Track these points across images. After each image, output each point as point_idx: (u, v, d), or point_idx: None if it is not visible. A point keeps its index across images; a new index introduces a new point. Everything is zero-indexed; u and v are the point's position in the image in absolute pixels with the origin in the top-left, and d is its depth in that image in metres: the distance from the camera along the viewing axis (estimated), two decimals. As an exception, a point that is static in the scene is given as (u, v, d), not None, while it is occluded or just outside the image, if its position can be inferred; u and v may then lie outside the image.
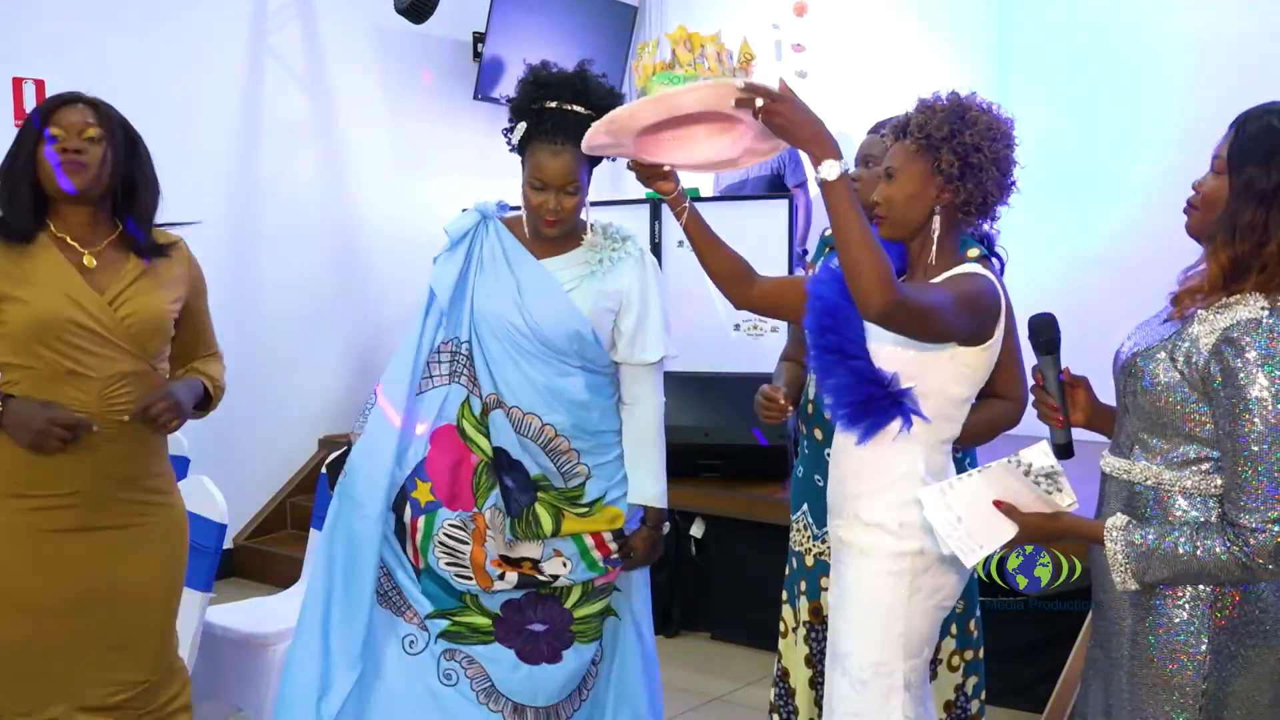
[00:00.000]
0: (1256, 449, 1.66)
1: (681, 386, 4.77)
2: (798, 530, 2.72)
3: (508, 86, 6.62)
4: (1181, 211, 1.86)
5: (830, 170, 1.87)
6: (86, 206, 2.35)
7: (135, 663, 2.43)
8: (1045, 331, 1.99)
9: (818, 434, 2.58)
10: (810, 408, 2.60)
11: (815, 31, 6.68)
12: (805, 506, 2.65)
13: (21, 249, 2.27)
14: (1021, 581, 2.36)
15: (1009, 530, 1.87)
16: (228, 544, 4.87)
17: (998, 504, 1.87)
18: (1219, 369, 1.70)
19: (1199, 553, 1.69)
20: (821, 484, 2.41)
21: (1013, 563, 2.36)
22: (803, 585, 2.66)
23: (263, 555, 5.57)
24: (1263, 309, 1.71)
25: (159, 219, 2.49)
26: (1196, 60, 5.25)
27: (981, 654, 2.63)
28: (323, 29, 6.08)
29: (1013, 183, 2.08)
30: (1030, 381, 2.04)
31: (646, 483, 2.56)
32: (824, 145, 1.91)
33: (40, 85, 4.90)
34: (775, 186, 6.13)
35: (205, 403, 2.53)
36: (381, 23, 6.21)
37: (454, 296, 2.47)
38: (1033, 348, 2.02)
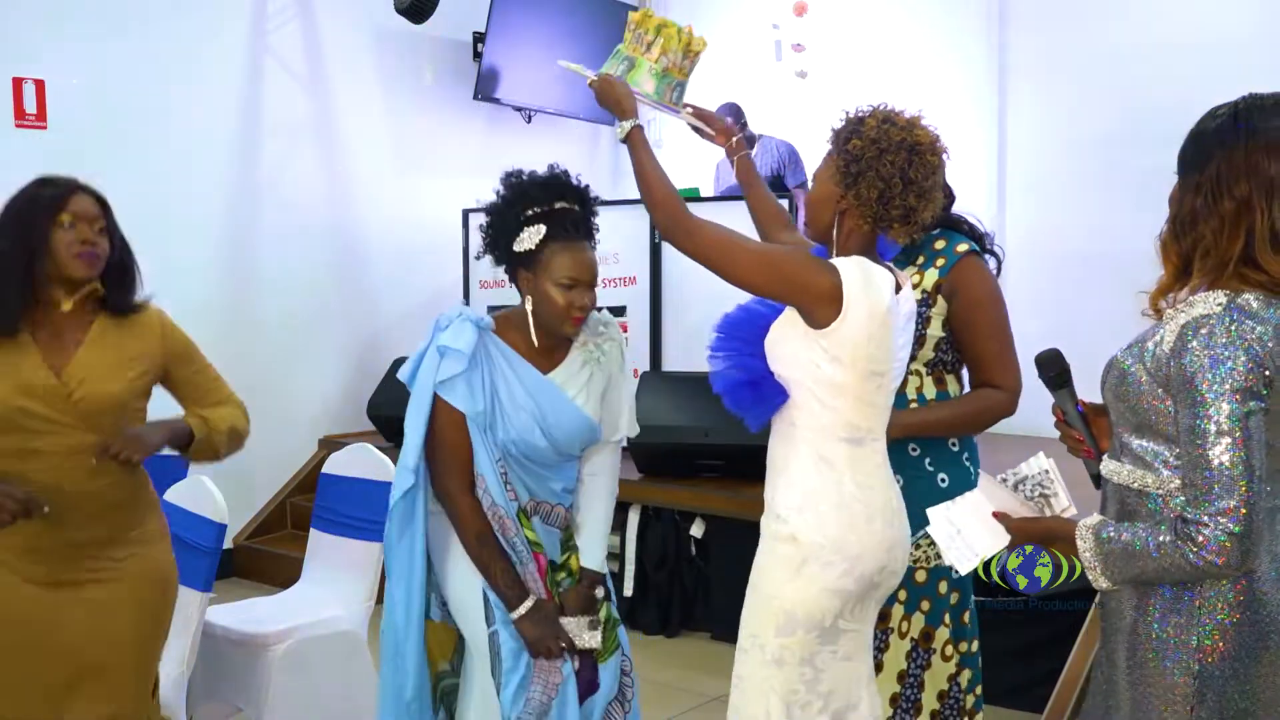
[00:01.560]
0: (1204, 444, 1.65)
1: (681, 386, 4.78)
2: None
3: (508, 87, 6.64)
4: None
5: (622, 129, 2.35)
6: (77, 288, 2.42)
7: (105, 694, 2.45)
8: (1052, 366, 2.01)
9: None
10: None
11: (815, 31, 6.68)
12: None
13: None
14: (1021, 581, 2.37)
15: (1003, 538, 1.93)
16: (228, 544, 4.87)
17: (995, 514, 1.94)
18: (1175, 365, 1.70)
19: (1153, 549, 1.69)
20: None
21: (1012, 563, 2.37)
22: None
23: (263, 555, 5.57)
24: (1219, 304, 1.71)
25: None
26: (1197, 60, 5.24)
27: (976, 647, 2.63)
28: (323, 29, 6.09)
29: (909, 199, 2.16)
30: (1057, 408, 2.06)
31: (597, 549, 2.61)
32: (623, 109, 2.39)
33: (40, 85, 4.91)
34: (776, 186, 6.14)
35: (189, 442, 2.51)
36: (381, 23, 6.21)
37: (484, 423, 2.47)
38: (1044, 384, 2.05)
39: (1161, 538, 1.68)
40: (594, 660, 2.54)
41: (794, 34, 6.74)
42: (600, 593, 2.59)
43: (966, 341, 2.56)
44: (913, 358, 2.50)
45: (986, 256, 2.62)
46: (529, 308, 2.45)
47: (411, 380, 2.49)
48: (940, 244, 2.58)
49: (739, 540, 4.79)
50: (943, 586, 2.56)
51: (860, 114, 2.24)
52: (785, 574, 2.20)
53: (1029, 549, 2.31)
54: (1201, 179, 1.75)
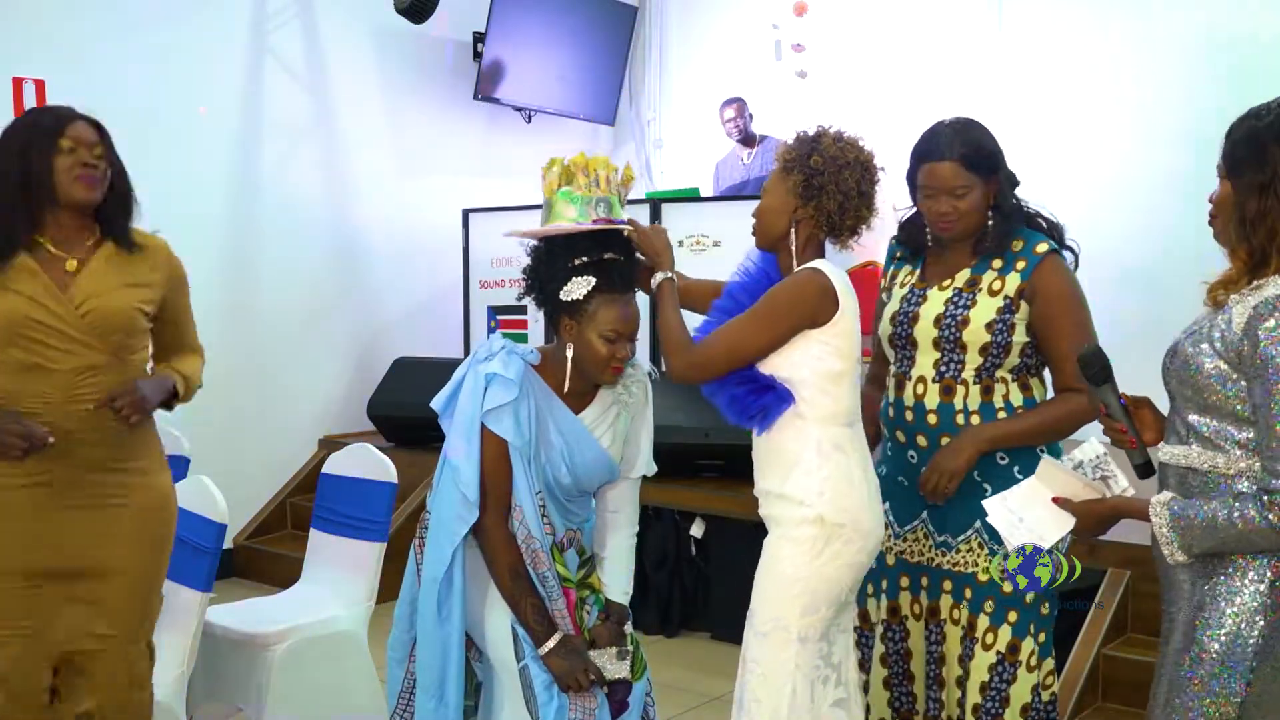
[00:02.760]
0: None
1: (682, 386, 4.77)
2: None
3: (508, 87, 6.64)
4: (1207, 224, 2.00)
5: (657, 279, 2.47)
6: (80, 212, 2.52)
7: (103, 618, 2.52)
8: (1094, 363, 2.06)
9: (900, 436, 2.61)
10: (892, 411, 2.62)
11: (815, 31, 6.68)
12: (886, 505, 2.58)
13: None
14: (1022, 582, 2.37)
15: (1068, 521, 2.07)
16: (228, 544, 4.86)
17: (1056, 500, 2.08)
18: (1249, 344, 1.79)
19: (1236, 520, 1.77)
20: (906, 484, 2.60)
21: (1013, 563, 2.36)
22: (884, 584, 2.66)
23: (263, 555, 5.57)
24: None
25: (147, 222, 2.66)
26: (1197, 61, 5.25)
27: (1051, 664, 2.60)
28: (323, 29, 6.09)
29: (860, 210, 2.39)
30: (1100, 401, 2.10)
31: (623, 583, 2.64)
32: (662, 261, 2.48)
33: (40, 85, 4.90)
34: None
35: (174, 398, 2.64)
36: (381, 23, 6.21)
37: (529, 455, 2.48)
38: (1087, 380, 2.09)
39: (1246, 510, 1.77)
40: (628, 683, 2.55)
41: (794, 34, 6.73)
42: (629, 627, 2.62)
43: (1049, 344, 2.50)
44: (999, 365, 2.51)
45: (1064, 253, 2.56)
46: (569, 354, 2.45)
47: (445, 409, 2.49)
48: (1018, 244, 2.53)
49: (739, 540, 4.81)
50: (1029, 596, 2.50)
51: (812, 133, 2.42)
52: (809, 555, 2.34)
53: (1029, 549, 2.32)
54: (1265, 178, 1.82)
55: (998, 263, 2.53)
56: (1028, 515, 2.11)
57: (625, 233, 2.48)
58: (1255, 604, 1.81)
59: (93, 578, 2.51)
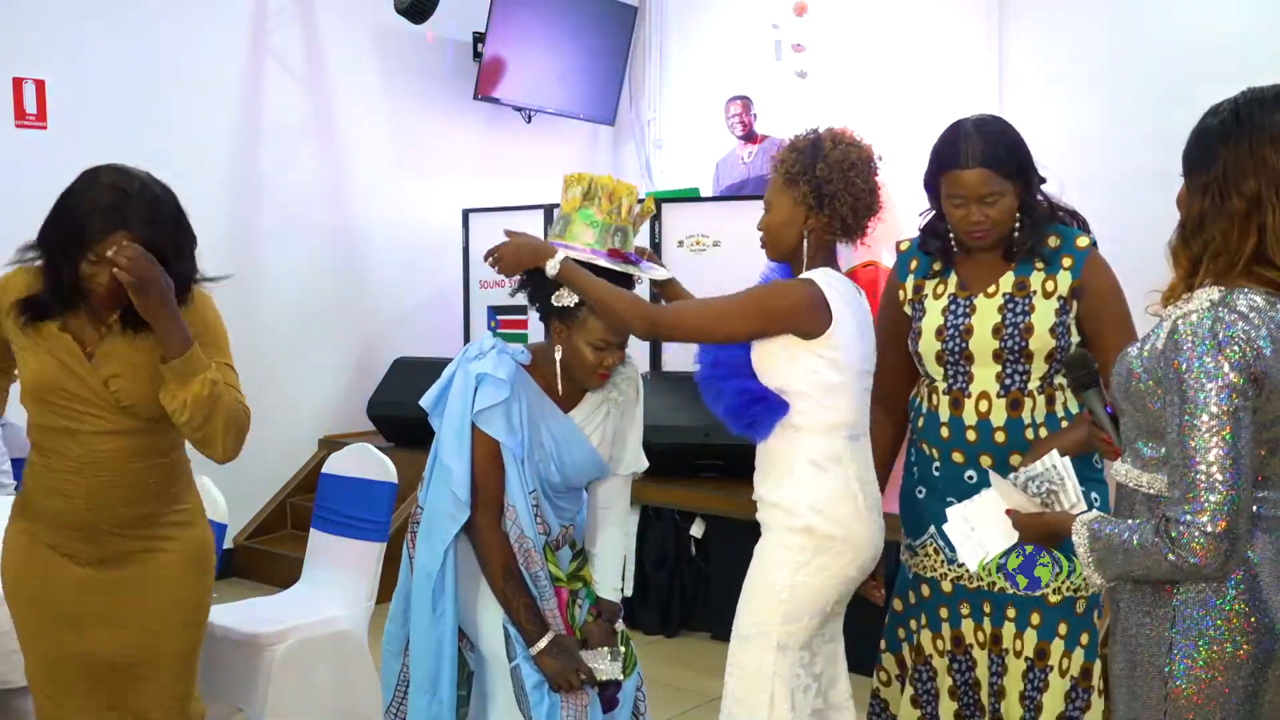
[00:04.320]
0: (1189, 442, 1.63)
1: (681, 386, 4.77)
2: (926, 555, 2.50)
3: (508, 87, 6.64)
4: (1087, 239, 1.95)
5: (551, 266, 2.36)
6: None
7: (146, 695, 2.47)
8: (1079, 367, 2.00)
9: (957, 457, 2.43)
10: (946, 431, 2.43)
11: (815, 31, 6.68)
12: (933, 529, 2.46)
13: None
14: (1021, 581, 2.36)
15: (1013, 536, 2.01)
16: (228, 544, 4.87)
17: (1008, 512, 2.00)
18: (1164, 363, 1.68)
19: (1136, 547, 1.67)
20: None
21: (1012, 563, 2.36)
22: (943, 612, 2.47)
23: (263, 555, 5.57)
24: (1210, 301, 1.68)
25: None
26: (1197, 61, 5.24)
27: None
28: (323, 29, 6.09)
29: (871, 205, 2.37)
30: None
31: (614, 579, 2.65)
32: (541, 253, 2.38)
33: (40, 85, 4.91)
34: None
35: (179, 354, 2.31)
36: (382, 23, 6.21)
37: (522, 455, 2.49)
38: (1071, 386, 2.06)
39: (1146, 536, 1.66)
40: (619, 682, 2.56)
41: (794, 34, 6.73)
42: (620, 625, 2.63)
43: (1094, 339, 2.35)
44: (1059, 371, 2.36)
45: None
46: (558, 356, 2.46)
47: (435, 408, 2.50)
48: (1054, 241, 2.39)
49: (739, 540, 4.79)
50: (1095, 615, 2.39)
51: (811, 138, 2.37)
52: (795, 564, 2.32)
53: (1029, 549, 2.31)
54: (1209, 179, 1.71)
55: (1040, 263, 2.38)
56: (980, 526, 2.07)
57: (633, 275, 2.47)
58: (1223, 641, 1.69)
59: (129, 637, 2.44)
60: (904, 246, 2.64)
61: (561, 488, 2.54)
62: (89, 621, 2.41)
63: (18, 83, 4.85)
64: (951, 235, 2.43)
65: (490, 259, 2.43)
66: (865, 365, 2.39)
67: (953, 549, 2.26)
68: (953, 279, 2.46)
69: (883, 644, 2.61)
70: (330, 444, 5.69)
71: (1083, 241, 2.39)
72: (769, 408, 2.34)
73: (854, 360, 2.35)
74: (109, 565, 2.41)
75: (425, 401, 2.51)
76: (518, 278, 2.48)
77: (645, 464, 2.69)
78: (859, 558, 2.35)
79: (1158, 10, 5.60)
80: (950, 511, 2.13)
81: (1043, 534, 1.96)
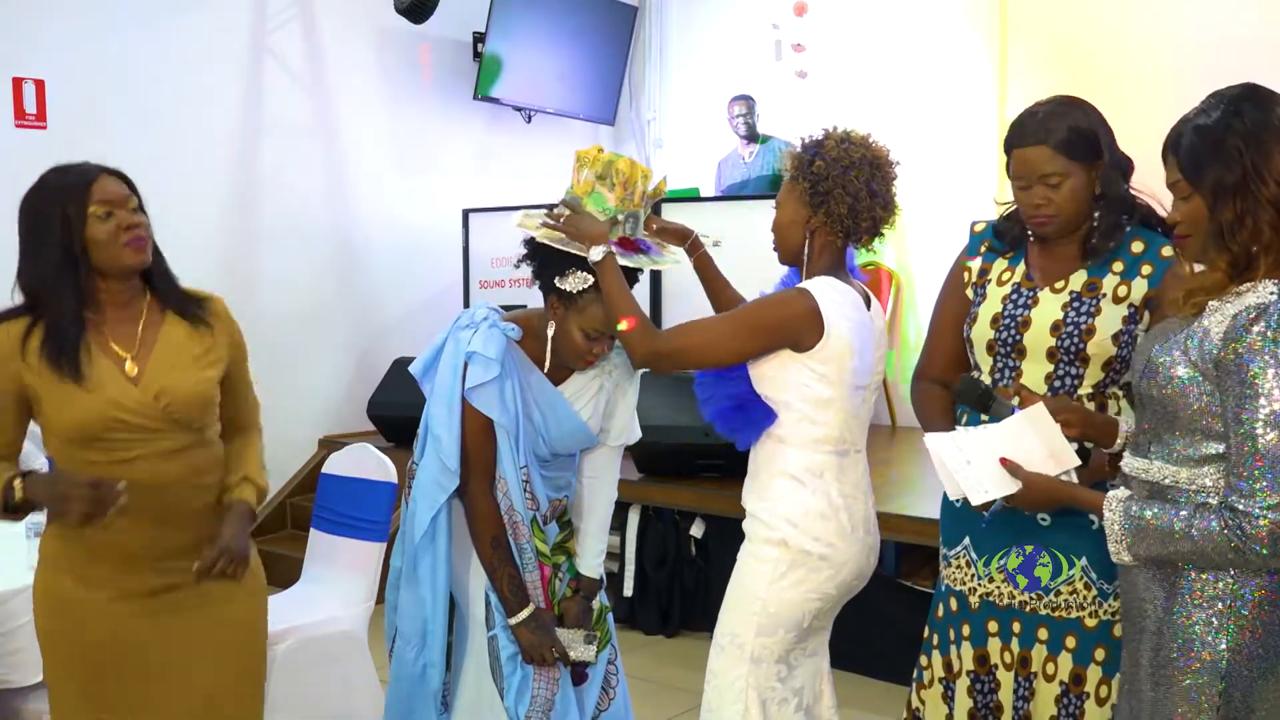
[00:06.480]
0: (1260, 433, 1.66)
1: (681, 386, 4.77)
2: (957, 567, 2.39)
3: (508, 86, 6.64)
4: (1173, 249, 1.91)
5: (595, 253, 2.33)
6: (128, 278, 2.24)
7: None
8: (970, 394, 2.07)
9: None
10: None
11: (815, 31, 6.68)
12: (967, 540, 2.36)
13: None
14: (1021, 581, 2.33)
15: (1011, 485, 1.98)
16: (228, 544, 4.87)
17: (1003, 461, 1.98)
18: (1229, 355, 1.69)
19: (1193, 531, 1.70)
20: (989, 518, 2.21)
21: (1012, 563, 2.33)
22: (965, 629, 2.35)
23: (263, 555, 5.48)
24: (1272, 294, 1.71)
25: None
26: (1198, 61, 5.24)
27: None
28: (323, 29, 6.09)
29: (873, 208, 2.29)
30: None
31: (596, 556, 2.66)
32: (592, 237, 2.35)
33: (40, 85, 4.91)
34: (777, 186, 6.12)
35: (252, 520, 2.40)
36: (382, 23, 6.21)
37: (513, 430, 2.49)
38: (974, 409, 2.10)
39: (1207, 524, 1.69)
40: (591, 662, 2.59)
41: (794, 34, 6.74)
42: (597, 604, 2.65)
43: None
44: (1113, 381, 2.23)
45: None
46: (550, 333, 2.47)
47: (424, 375, 2.51)
48: (1139, 246, 2.24)
49: (739, 540, 4.80)
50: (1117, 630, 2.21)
51: (815, 137, 2.35)
52: (772, 576, 2.30)
53: (1029, 549, 2.29)
54: (1235, 176, 1.72)
55: (1119, 265, 2.23)
56: (977, 462, 1.98)
57: (636, 269, 2.45)
58: (1232, 617, 1.74)
59: (201, 664, 2.31)
60: (979, 228, 2.51)
61: (549, 456, 2.54)
62: (134, 666, 2.25)
63: (18, 83, 4.85)
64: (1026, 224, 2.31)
65: (553, 214, 2.42)
66: (860, 380, 2.31)
67: (981, 559, 2.27)
68: (1020, 268, 2.33)
69: (934, 639, 2.45)
70: (330, 444, 5.69)
71: (1167, 251, 2.20)
72: (756, 415, 2.32)
73: (847, 375, 2.28)
74: (159, 595, 2.25)
75: (415, 368, 2.53)
76: (522, 250, 2.48)
77: (638, 434, 2.69)
78: (839, 575, 2.32)
79: (1159, 10, 5.60)
80: (931, 439, 2.03)
81: (1053, 500, 1.98)
